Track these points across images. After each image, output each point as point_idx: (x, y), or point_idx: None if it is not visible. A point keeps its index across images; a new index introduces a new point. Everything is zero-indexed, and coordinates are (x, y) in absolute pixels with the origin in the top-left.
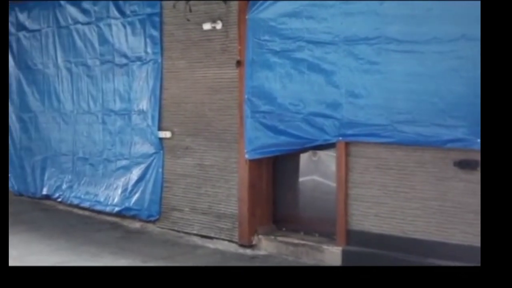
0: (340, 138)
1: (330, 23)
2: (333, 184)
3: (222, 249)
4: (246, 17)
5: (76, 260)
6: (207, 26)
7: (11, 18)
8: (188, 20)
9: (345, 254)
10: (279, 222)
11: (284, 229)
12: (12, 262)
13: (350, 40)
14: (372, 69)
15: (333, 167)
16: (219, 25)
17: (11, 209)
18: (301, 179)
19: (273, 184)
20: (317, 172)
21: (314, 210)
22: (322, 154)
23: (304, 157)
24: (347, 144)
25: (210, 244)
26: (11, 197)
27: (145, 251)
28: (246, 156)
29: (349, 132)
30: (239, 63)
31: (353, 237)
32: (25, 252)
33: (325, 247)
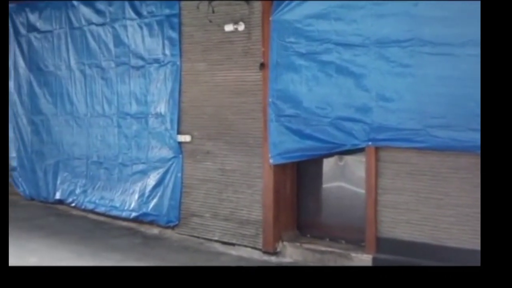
0: (370, 143)
1: (360, 25)
2: (360, 190)
3: (246, 256)
4: (270, 18)
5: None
6: (229, 27)
7: (22, 19)
8: (210, 21)
9: (375, 262)
10: (303, 228)
11: (308, 235)
12: None
13: (381, 43)
14: (404, 72)
15: (360, 172)
16: (241, 27)
17: (24, 214)
18: (326, 184)
19: (297, 190)
20: (343, 177)
21: (340, 216)
22: (348, 159)
23: (329, 162)
24: (377, 149)
25: (233, 251)
26: (22, 202)
27: (168, 258)
28: (271, 161)
29: (380, 136)
30: (262, 66)
31: (383, 244)
32: (45, 259)
33: (353, 254)
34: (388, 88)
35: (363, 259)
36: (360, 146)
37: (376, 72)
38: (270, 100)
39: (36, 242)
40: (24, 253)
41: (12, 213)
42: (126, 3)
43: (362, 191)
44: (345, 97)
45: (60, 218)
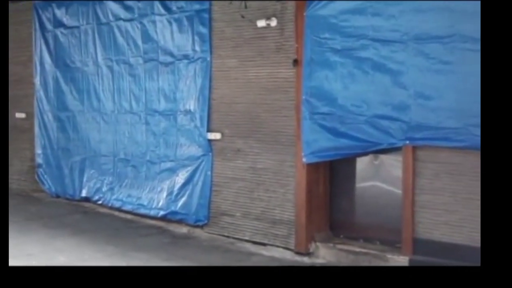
0: (407, 141)
1: (399, 21)
2: (396, 190)
3: (278, 257)
4: (304, 13)
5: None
6: (261, 23)
7: (48, 15)
8: (243, 17)
9: (412, 263)
10: (336, 229)
11: (341, 236)
12: None
13: (421, 39)
14: (444, 69)
15: (395, 171)
16: (274, 22)
17: (50, 212)
18: (360, 183)
19: (330, 189)
20: (378, 176)
21: (374, 216)
22: (384, 158)
23: (363, 161)
24: (414, 148)
25: (264, 251)
26: (48, 199)
27: (198, 258)
28: (304, 159)
29: (418, 135)
30: (296, 62)
31: (420, 246)
32: (73, 258)
33: (389, 256)
34: (427, 86)
35: (399, 260)
36: (397, 145)
37: (414, 69)
38: (303, 97)
39: (63, 240)
40: (52, 252)
41: (38, 211)
42: None
43: (398, 191)
44: (382, 94)
45: (86, 216)
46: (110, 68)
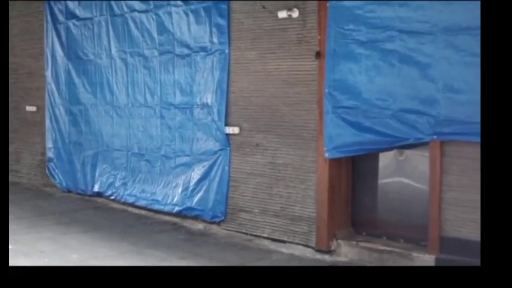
0: (435, 136)
1: (428, 11)
2: (422, 186)
3: (298, 255)
4: (327, 4)
5: (143, 265)
6: (282, 14)
7: (60, 6)
8: (264, 7)
9: (438, 262)
10: (357, 226)
11: (364, 233)
12: None
13: (451, 30)
14: (475, 62)
15: (421, 167)
16: (295, 13)
17: (62, 207)
18: (383, 179)
19: (352, 185)
20: (402, 172)
21: (398, 213)
22: (409, 153)
23: (387, 156)
24: (442, 143)
25: (284, 249)
26: (59, 194)
27: (216, 256)
28: (326, 155)
29: (446, 130)
30: (318, 54)
31: (447, 244)
32: (87, 256)
33: (415, 254)
34: (457, 79)
35: (425, 259)
36: (424, 140)
37: (443, 61)
38: (326, 90)
39: (75, 237)
40: (65, 250)
41: (49, 206)
42: None
43: (424, 187)
44: (409, 88)
45: (99, 211)
46: (124, 61)
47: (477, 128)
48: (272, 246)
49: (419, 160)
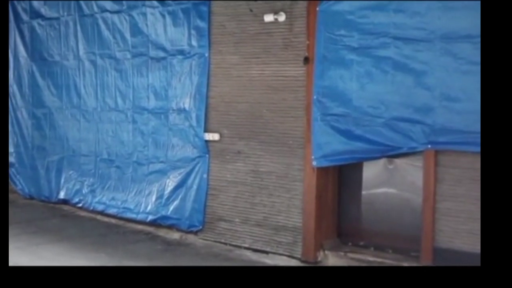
0: (430, 146)
1: (425, 18)
2: (411, 196)
3: (284, 266)
4: (317, 8)
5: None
6: (269, 18)
7: (24, 5)
8: (251, 10)
9: None
10: (343, 236)
11: (350, 244)
12: None
13: (449, 38)
14: (474, 70)
15: (411, 177)
16: (282, 17)
17: (26, 215)
18: (370, 189)
19: (339, 194)
20: (391, 182)
21: (386, 223)
22: (399, 162)
23: (376, 165)
24: (436, 152)
25: (267, 260)
26: (21, 201)
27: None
28: (314, 163)
29: (441, 139)
30: (307, 60)
31: (440, 255)
32: None
33: (407, 266)
34: (454, 87)
35: None
36: (418, 150)
37: (440, 69)
38: (314, 97)
39: (48, 248)
40: (40, 262)
41: (12, 214)
42: None
43: (413, 197)
44: (403, 96)
45: (66, 219)
46: (93, 63)
47: (474, 137)
48: (255, 257)
49: (409, 169)
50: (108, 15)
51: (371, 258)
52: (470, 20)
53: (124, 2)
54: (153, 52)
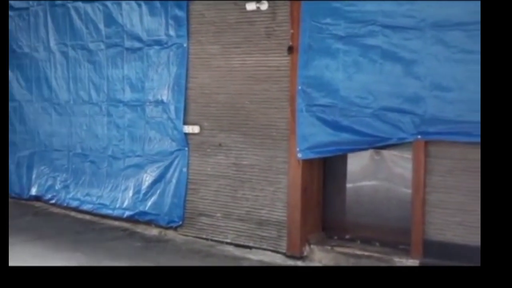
0: (419, 136)
1: (415, 6)
2: (399, 188)
3: (269, 261)
4: None
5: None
6: (251, 6)
7: None
8: None
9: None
10: (328, 229)
11: (336, 237)
12: None
13: (440, 26)
14: (466, 59)
15: (398, 168)
16: (264, 6)
17: None
18: (357, 181)
19: (324, 187)
20: (379, 173)
21: (372, 216)
22: (386, 153)
23: (363, 157)
24: (426, 143)
25: (251, 255)
26: None
27: (181, 265)
28: (299, 155)
29: (432, 129)
30: (291, 49)
31: (431, 248)
32: None
33: (396, 259)
34: (445, 76)
35: (409, 264)
36: (407, 140)
37: (431, 58)
38: (299, 87)
39: (24, 248)
40: (17, 263)
41: None
42: None
43: (401, 189)
44: (392, 85)
45: (39, 217)
46: (65, 54)
47: (466, 127)
48: (238, 252)
49: (396, 160)
50: (80, 4)
51: (358, 252)
52: (462, 7)
53: None
54: (128, 43)
